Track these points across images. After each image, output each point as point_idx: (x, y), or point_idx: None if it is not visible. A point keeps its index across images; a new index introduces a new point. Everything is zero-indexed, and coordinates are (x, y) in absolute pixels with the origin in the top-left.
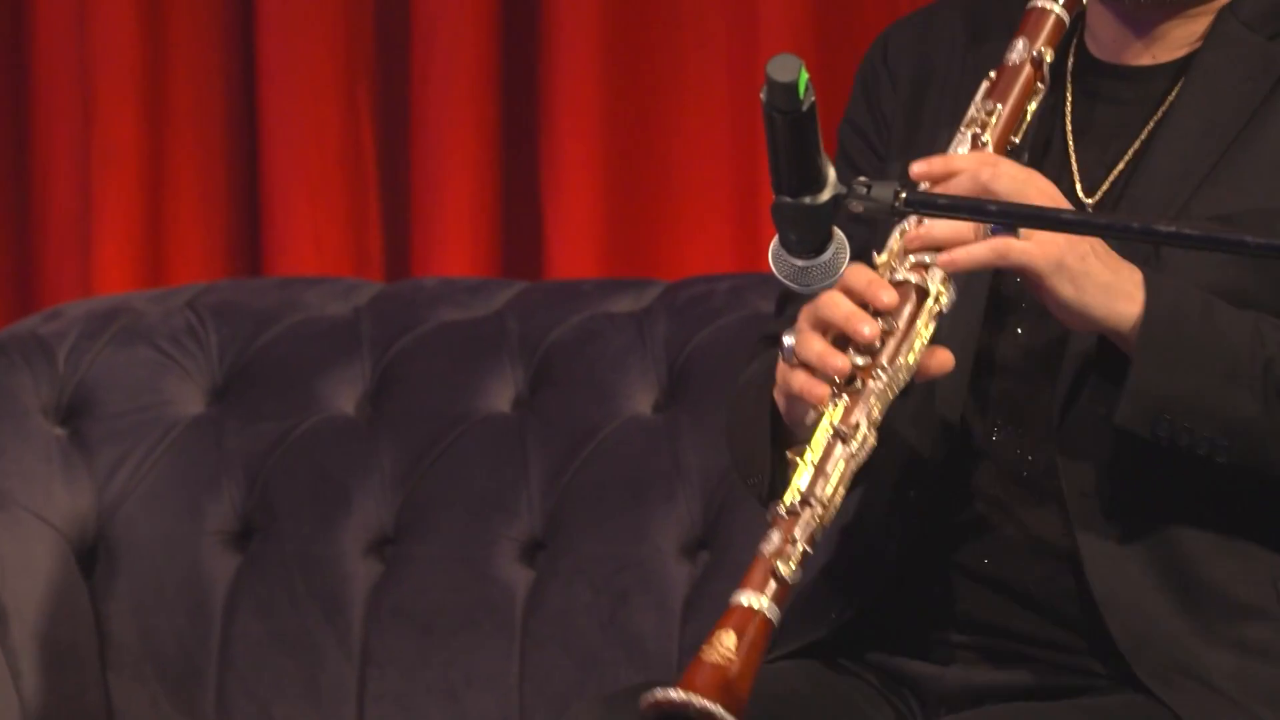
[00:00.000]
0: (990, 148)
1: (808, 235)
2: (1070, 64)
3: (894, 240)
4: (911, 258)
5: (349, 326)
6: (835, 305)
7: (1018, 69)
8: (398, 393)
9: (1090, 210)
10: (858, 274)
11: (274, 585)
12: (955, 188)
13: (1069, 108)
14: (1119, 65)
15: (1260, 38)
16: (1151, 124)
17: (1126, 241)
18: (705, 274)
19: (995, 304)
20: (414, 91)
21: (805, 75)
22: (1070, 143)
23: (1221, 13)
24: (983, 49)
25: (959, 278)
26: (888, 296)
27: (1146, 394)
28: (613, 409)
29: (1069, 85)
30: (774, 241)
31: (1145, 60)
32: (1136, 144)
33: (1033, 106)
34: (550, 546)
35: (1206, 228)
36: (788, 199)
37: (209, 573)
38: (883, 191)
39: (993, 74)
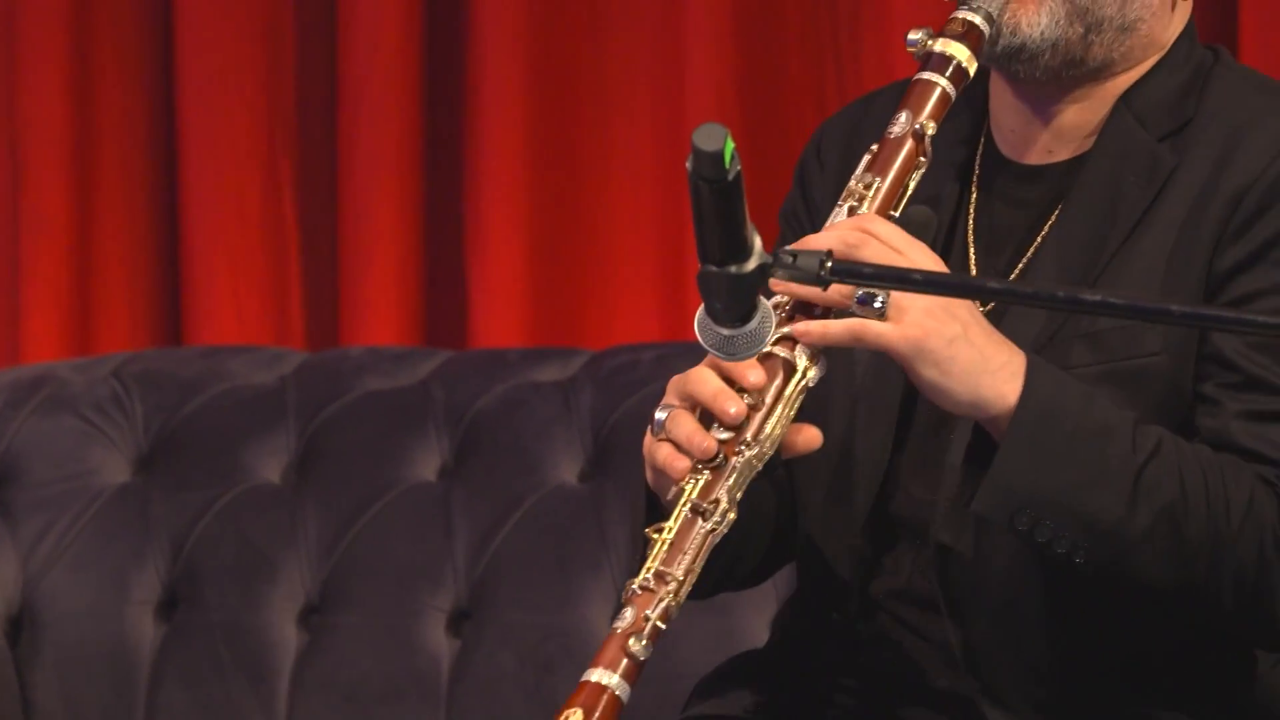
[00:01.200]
0: None
1: (733, 304)
2: (978, 162)
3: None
4: (784, 329)
5: (274, 395)
6: (703, 382)
7: (899, 142)
8: (323, 462)
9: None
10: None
11: (199, 654)
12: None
13: (972, 209)
14: (1019, 164)
15: (1150, 137)
16: (1045, 228)
17: (1054, 310)
18: (631, 343)
19: (903, 418)
20: (339, 160)
21: (731, 144)
22: (970, 245)
23: (1117, 105)
24: None
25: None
26: (754, 375)
27: (1009, 485)
28: (538, 478)
29: (974, 185)
30: (700, 310)
31: (1044, 158)
32: (1030, 250)
33: (914, 181)
34: (476, 616)
35: (1131, 296)
36: (714, 268)
37: (134, 642)
38: (808, 260)
39: (874, 147)
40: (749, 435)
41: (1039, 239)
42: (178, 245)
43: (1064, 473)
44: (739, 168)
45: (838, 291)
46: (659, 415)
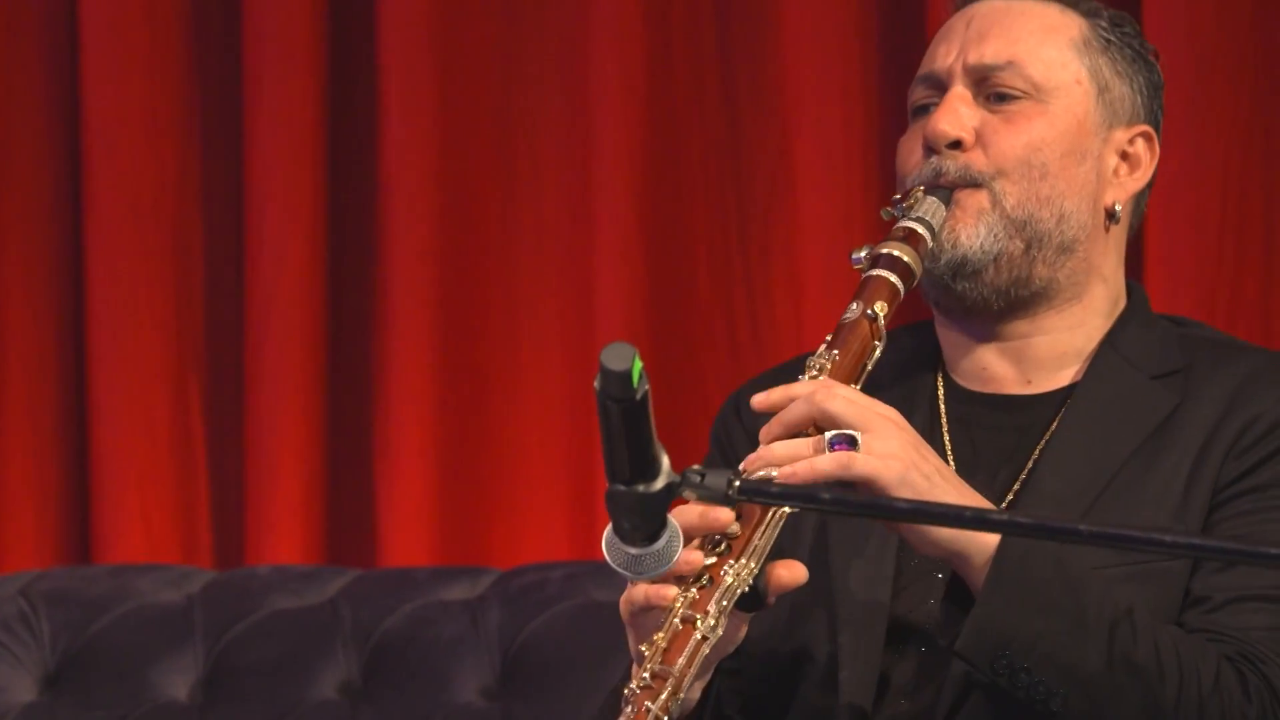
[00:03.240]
0: None
1: (641, 523)
2: (941, 394)
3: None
4: (770, 471)
5: (182, 614)
6: (684, 513)
7: (854, 323)
8: (230, 680)
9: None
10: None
11: None
12: (795, 411)
13: (947, 438)
14: (995, 395)
15: (1142, 375)
16: (1037, 451)
17: (1046, 540)
18: (539, 561)
19: (893, 628)
20: (246, 380)
21: (639, 364)
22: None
23: (1102, 346)
24: None
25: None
26: (724, 514)
27: (990, 627)
28: (446, 697)
29: (943, 414)
30: (608, 529)
31: (1024, 389)
32: (1024, 473)
33: (871, 362)
34: None
35: (1123, 527)
36: (622, 487)
37: None
38: (716, 480)
39: (829, 336)
40: (733, 556)
41: (1031, 462)
42: (87, 462)
43: (1046, 618)
44: (647, 387)
45: (810, 444)
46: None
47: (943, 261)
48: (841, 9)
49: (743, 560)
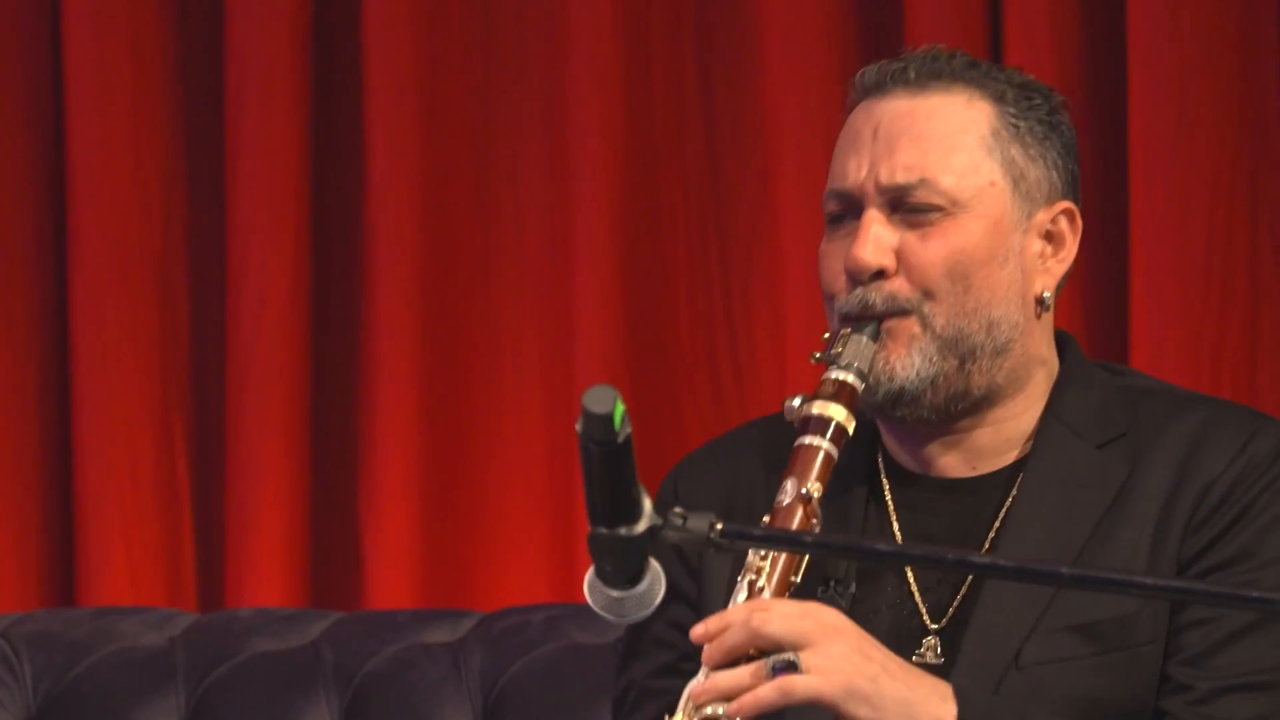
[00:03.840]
0: (769, 593)
1: (623, 566)
2: (883, 478)
3: (685, 696)
4: (707, 709)
5: (164, 657)
6: None
7: (790, 510)
8: None
9: (938, 639)
10: None
11: None
12: (731, 640)
13: (895, 524)
14: (939, 479)
15: (1089, 445)
16: (993, 532)
17: (1032, 583)
18: (521, 604)
19: None
20: (228, 421)
21: (621, 407)
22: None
23: (1045, 418)
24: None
25: None
26: None
27: None
28: None
29: (889, 500)
30: (590, 572)
31: (966, 472)
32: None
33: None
34: None
35: (1107, 570)
36: (603, 530)
37: None
38: (698, 523)
39: (766, 519)
40: None
41: (987, 545)
42: (70, 504)
43: None
44: (629, 430)
45: (750, 673)
46: None
47: (880, 395)
48: (823, 50)
49: None
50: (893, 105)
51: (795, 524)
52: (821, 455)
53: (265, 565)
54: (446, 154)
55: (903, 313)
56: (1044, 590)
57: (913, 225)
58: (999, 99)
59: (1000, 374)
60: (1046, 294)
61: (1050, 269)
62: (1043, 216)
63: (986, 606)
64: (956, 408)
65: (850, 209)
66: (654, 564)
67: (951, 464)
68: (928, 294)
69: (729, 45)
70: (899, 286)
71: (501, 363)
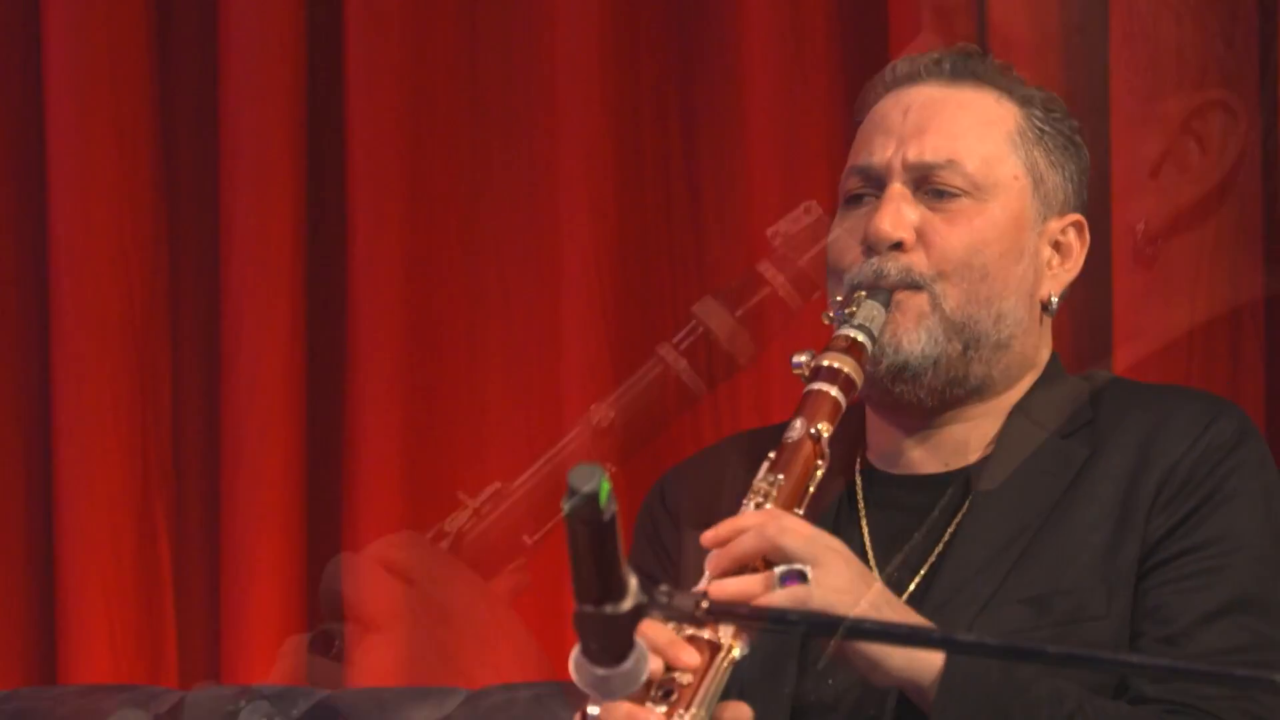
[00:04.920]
0: None
1: (609, 644)
2: (859, 480)
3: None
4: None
5: None
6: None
7: (798, 444)
8: None
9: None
10: (658, 632)
11: None
12: (744, 545)
13: (864, 522)
14: (910, 476)
15: (1054, 436)
16: (954, 524)
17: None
18: (507, 682)
19: (804, 662)
20: (221, 500)
21: (607, 484)
22: (870, 553)
23: (1012, 413)
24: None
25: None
26: (688, 656)
27: None
28: None
29: (860, 500)
30: (575, 650)
31: (938, 468)
32: (940, 544)
33: (813, 486)
34: None
35: (1092, 649)
36: (590, 607)
37: None
38: (684, 601)
39: (773, 454)
40: (683, 705)
41: (949, 533)
42: (53, 582)
43: None
44: (615, 508)
45: (760, 580)
46: (591, 711)
47: (884, 366)
48: (809, 117)
49: (693, 709)
50: (925, 91)
51: (803, 457)
52: (830, 400)
53: (254, 643)
54: (433, 233)
55: (915, 287)
56: (1001, 568)
57: (935, 207)
58: (1026, 103)
59: (997, 368)
60: (1054, 298)
61: (1057, 276)
62: (1055, 225)
63: (943, 587)
64: (951, 393)
65: (872, 185)
66: (639, 642)
67: (925, 459)
68: (943, 274)
69: (715, 120)
70: (916, 260)
71: (488, 442)
